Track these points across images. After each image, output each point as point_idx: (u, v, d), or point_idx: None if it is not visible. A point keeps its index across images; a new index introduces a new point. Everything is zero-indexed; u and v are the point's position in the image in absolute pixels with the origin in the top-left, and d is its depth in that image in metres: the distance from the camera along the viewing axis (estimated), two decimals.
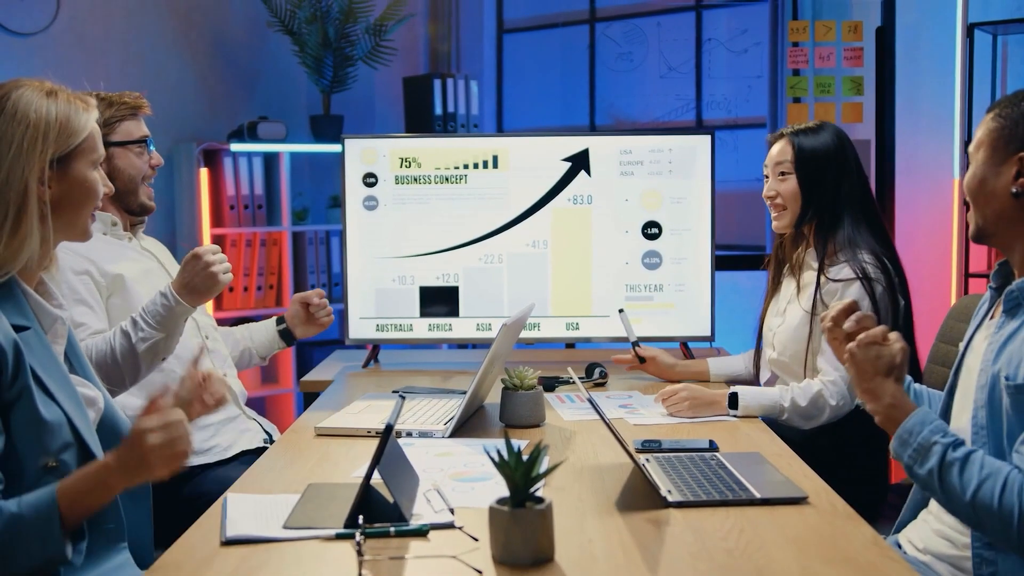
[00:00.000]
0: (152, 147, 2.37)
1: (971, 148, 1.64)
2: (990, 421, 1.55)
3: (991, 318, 1.67)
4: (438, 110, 4.53)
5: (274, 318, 2.66)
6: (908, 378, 1.84)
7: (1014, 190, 1.56)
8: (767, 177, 2.49)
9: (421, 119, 4.56)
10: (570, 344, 3.24)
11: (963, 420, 1.66)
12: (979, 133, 1.63)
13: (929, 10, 4.02)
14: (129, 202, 2.34)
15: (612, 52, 4.91)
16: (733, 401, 2.24)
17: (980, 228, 1.63)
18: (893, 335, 1.57)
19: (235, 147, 4.19)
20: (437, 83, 4.54)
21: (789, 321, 2.42)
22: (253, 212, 4.23)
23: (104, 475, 1.40)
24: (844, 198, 2.40)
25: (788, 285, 2.51)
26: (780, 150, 2.44)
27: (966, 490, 1.44)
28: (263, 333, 2.63)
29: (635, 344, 2.60)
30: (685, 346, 2.88)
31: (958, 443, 1.48)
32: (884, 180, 3.88)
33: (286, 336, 2.63)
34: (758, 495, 1.57)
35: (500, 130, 5.21)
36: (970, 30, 3.79)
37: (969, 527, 1.54)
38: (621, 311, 2.66)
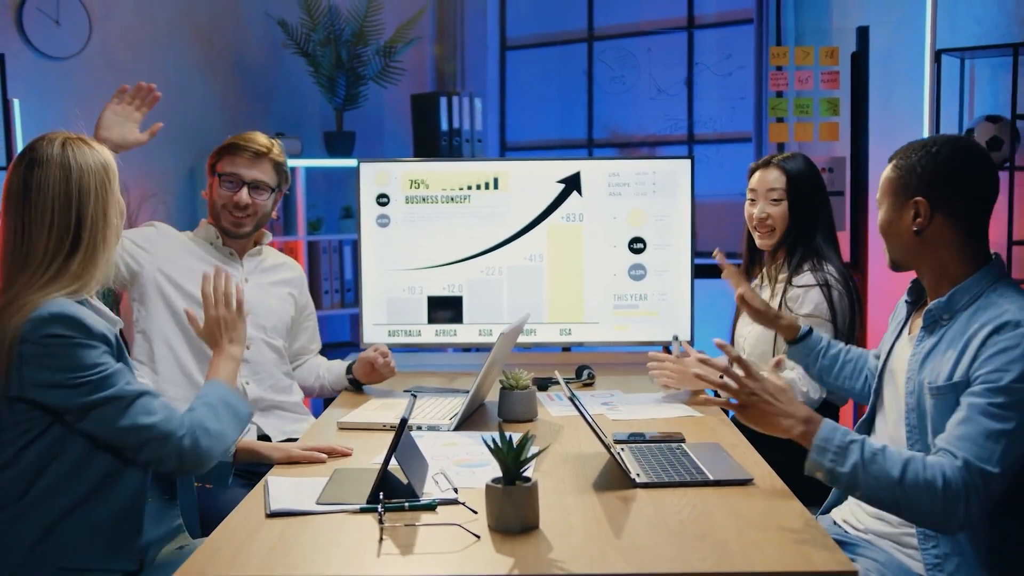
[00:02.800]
0: (244, 189, 2.65)
1: (878, 195, 1.92)
2: (919, 422, 1.84)
3: (909, 332, 1.96)
4: (444, 126, 4.80)
5: (346, 365, 2.84)
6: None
7: (915, 228, 1.84)
8: (753, 200, 2.78)
9: (428, 135, 4.82)
10: (567, 348, 3.52)
11: (893, 416, 1.95)
12: (881, 182, 1.91)
13: (900, 37, 4.29)
14: (219, 224, 2.70)
15: (606, 76, 5.21)
16: None
17: (894, 261, 1.93)
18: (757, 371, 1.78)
19: None
20: (443, 100, 4.81)
21: (756, 327, 2.72)
22: (271, 223, 4.51)
23: (218, 361, 2.02)
24: (820, 221, 2.71)
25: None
26: (774, 177, 2.73)
27: (893, 471, 1.66)
28: (337, 375, 2.85)
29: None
30: (667, 350, 3.17)
31: (864, 440, 1.71)
32: (858, 194, 4.17)
33: (355, 383, 2.84)
34: (711, 477, 1.87)
35: (503, 143, 5.49)
36: (938, 55, 4.06)
37: (892, 511, 1.73)
38: (676, 337, 2.86)
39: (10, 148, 3.91)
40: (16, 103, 3.94)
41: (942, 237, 1.84)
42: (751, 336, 2.73)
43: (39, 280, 1.74)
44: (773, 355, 2.65)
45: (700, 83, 4.97)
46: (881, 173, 1.93)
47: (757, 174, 2.78)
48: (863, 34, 4.15)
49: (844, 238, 4.10)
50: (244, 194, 2.65)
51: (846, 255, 4.12)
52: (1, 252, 1.83)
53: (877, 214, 1.94)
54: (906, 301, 2.00)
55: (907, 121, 4.27)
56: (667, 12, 5.07)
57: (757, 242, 2.80)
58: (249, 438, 2.42)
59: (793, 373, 2.57)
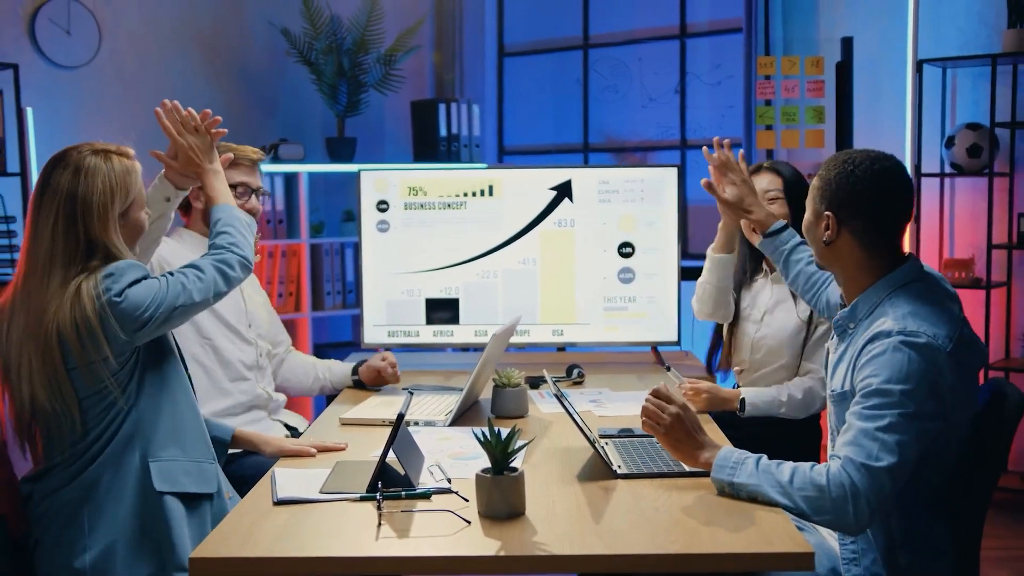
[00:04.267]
0: (252, 196, 2.79)
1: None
2: (836, 428, 1.98)
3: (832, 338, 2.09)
4: (443, 132, 4.94)
5: (351, 367, 2.99)
6: None
7: (825, 239, 1.97)
8: None
9: (427, 140, 4.96)
10: (561, 348, 3.66)
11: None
12: (810, 188, 2.04)
13: (884, 47, 4.42)
14: None
15: (599, 84, 5.35)
16: (742, 404, 2.67)
17: (816, 261, 2.08)
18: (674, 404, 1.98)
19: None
20: (442, 107, 4.94)
21: (779, 330, 2.79)
22: (275, 226, 4.63)
23: (210, 182, 2.25)
24: None
25: (761, 294, 2.89)
26: (769, 180, 2.84)
27: (783, 477, 1.81)
28: (341, 376, 2.98)
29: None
30: (655, 349, 3.32)
31: (758, 457, 1.87)
32: None
33: (359, 384, 2.97)
34: (687, 468, 2.00)
35: (501, 148, 5.63)
36: (920, 65, 4.20)
37: (796, 513, 1.83)
38: (669, 368, 2.95)
39: (24, 155, 4.05)
40: (29, 111, 4.08)
41: (849, 250, 1.97)
42: (770, 339, 2.80)
43: (75, 273, 1.94)
44: (804, 348, 2.74)
45: (690, 92, 5.11)
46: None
47: (757, 179, 2.87)
48: (847, 44, 4.28)
49: None
50: (255, 201, 2.80)
51: None
52: (26, 247, 1.98)
53: None
54: (840, 305, 2.13)
55: (890, 128, 4.40)
56: (660, 21, 5.21)
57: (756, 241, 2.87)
58: (269, 433, 2.57)
59: (811, 380, 2.69)
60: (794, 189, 2.81)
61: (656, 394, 2.00)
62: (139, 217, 2.07)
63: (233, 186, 2.77)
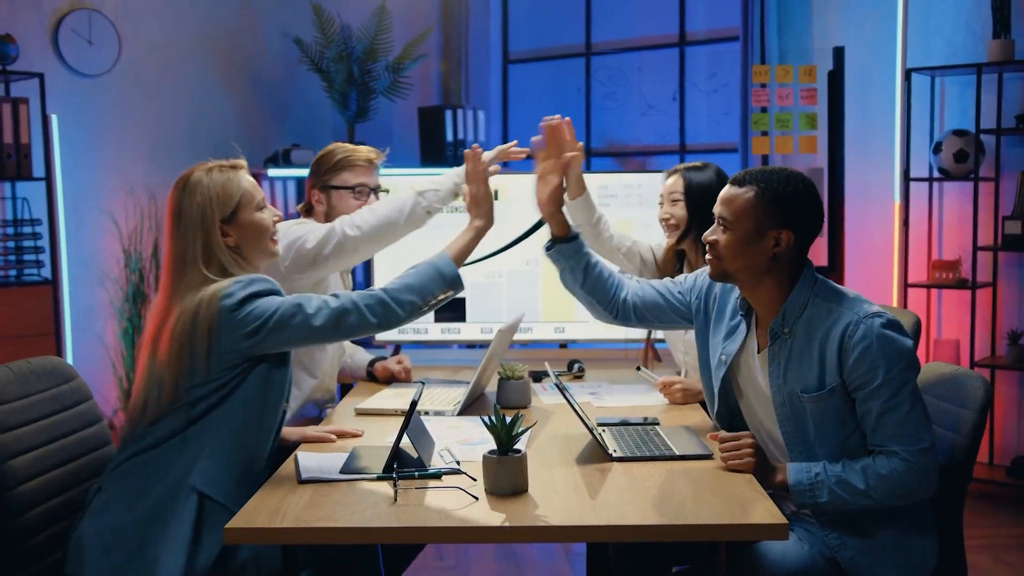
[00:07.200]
0: (372, 195, 2.96)
1: (729, 215, 2.11)
2: (796, 429, 2.12)
3: (758, 351, 2.19)
4: (449, 137, 5.11)
5: (368, 359, 3.16)
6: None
7: (772, 254, 2.09)
8: (662, 204, 3.03)
9: (434, 145, 5.13)
10: (563, 344, 3.82)
11: (760, 423, 2.23)
12: (738, 203, 2.09)
13: (874, 56, 4.59)
14: None
15: (599, 92, 5.52)
16: None
17: (727, 274, 2.15)
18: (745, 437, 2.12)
19: (271, 172, 4.78)
20: (448, 113, 5.12)
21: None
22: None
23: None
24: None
25: None
26: (674, 182, 2.96)
27: (858, 484, 1.99)
28: (358, 365, 3.16)
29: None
30: (651, 346, 3.48)
31: (823, 468, 2.02)
32: (835, 203, 4.47)
33: (372, 376, 3.15)
34: (677, 452, 2.18)
35: None
36: (908, 74, 4.37)
37: (877, 507, 2.01)
38: (639, 368, 3.09)
39: (48, 160, 4.22)
40: (54, 118, 4.26)
41: (789, 261, 2.11)
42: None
43: (200, 281, 2.10)
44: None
45: (688, 99, 5.28)
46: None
47: (667, 180, 2.99)
48: (839, 54, 4.45)
49: (822, 243, 4.40)
50: (374, 199, 2.97)
51: (823, 259, 4.42)
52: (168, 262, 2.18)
53: (725, 226, 2.11)
54: (740, 314, 2.25)
55: (880, 135, 4.57)
56: (660, 29, 5.38)
57: (666, 240, 3.02)
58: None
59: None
60: (694, 193, 2.90)
61: (722, 439, 2.12)
62: (253, 218, 2.19)
63: (352, 187, 2.95)
